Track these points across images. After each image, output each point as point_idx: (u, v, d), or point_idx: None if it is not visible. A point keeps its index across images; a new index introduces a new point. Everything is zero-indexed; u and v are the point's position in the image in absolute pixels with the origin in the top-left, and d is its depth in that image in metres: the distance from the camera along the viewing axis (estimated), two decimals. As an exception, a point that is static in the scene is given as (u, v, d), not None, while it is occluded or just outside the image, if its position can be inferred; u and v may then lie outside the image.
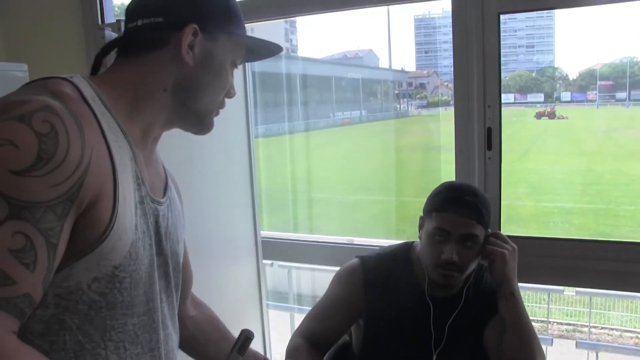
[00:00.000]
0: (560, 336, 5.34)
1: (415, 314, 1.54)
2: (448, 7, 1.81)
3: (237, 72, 2.18)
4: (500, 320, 1.47)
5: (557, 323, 5.57)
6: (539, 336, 1.49)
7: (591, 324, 5.17)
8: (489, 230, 1.51)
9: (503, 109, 1.78)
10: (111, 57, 0.96)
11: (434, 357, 1.53)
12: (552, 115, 6.62)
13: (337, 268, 1.66)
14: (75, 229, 0.77)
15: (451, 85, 1.85)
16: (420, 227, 1.55)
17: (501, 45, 1.76)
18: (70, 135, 0.75)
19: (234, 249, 2.23)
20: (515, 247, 1.49)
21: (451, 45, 1.81)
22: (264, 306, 2.34)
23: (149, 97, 0.90)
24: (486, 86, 1.77)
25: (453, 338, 1.53)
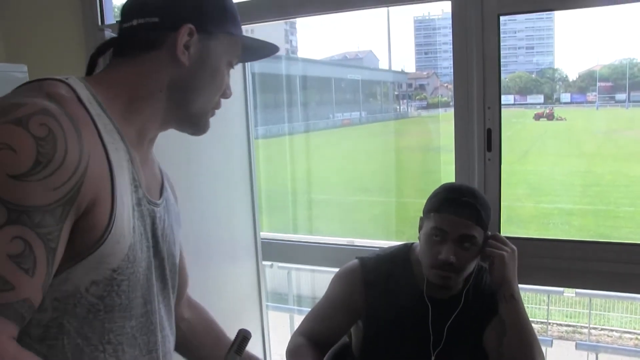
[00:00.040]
0: (560, 337, 5.34)
1: (414, 314, 1.54)
2: (448, 9, 1.81)
3: (237, 74, 2.18)
4: (500, 322, 1.47)
5: (557, 324, 5.57)
6: (538, 337, 1.49)
7: (591, 325, 5.17)
8: (489, 233, 1.50)
9: (503, 110, 1.78)
10: (107, 57, 0.95)
11: (433, 358, 1.53)
12: (550, 117, 6.62)
13: (337, 269, 1.66)
14: (73, 233, 0.77)
15: (451, 86, 1.85)
16: (420, 228, 1.55)
17: (501, 47, 1.76)
18: (67, 138, 0.74)
19: (234, 250, 2.23)
20: (515, 248, 1.49)
21: (451, 46, 1.80)
22: (264, 307, 2.34)
23: (145, 97, 0.90)
24: (486, 87, 1.77)
25: (452, 339, 1.53)
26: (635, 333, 5.49)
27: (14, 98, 0.77)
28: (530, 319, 1.49)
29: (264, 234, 2.43)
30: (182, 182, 1.88)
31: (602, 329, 5.46)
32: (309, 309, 1.67)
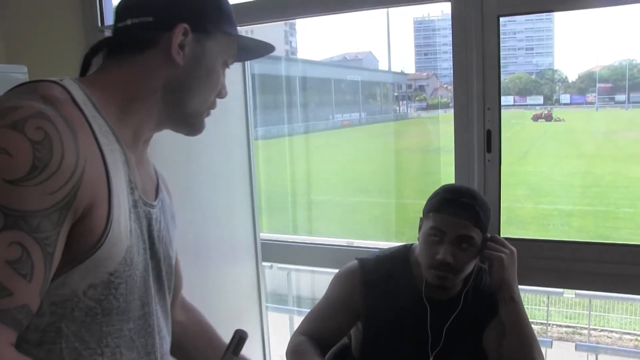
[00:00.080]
0: (560, 338, 5.35)
1: (413, 315, 1.54)
2: (447, 10, 1.81)
3: (237, 75, 2.19)
4: (500, 323, 1.47)
5: (557, 325, 5.57)
6: (538, 339, 1.49)
7: (591, 327, 5.17)
8: (488, 235, 1.50)
9: (502, 111, 1.78)
10: (101, 57, 0.94)
11: (431, 359, 1.53)
12: (548, 118, 6.63)
13: (337, 270, 1.66)
14: (70, 237, 0.76)
15: (450, 87, 1.85)
16: (420, 228, 1.55)
17: (501, 48, 1.76)
18: (64, 142, 0.74)
19: (234, 251, 2.23)
20: (514, 250, 1.49)
21: (450, 47, 1.80)
22: (264, 308, 2.34)
23: (140, 98, 0.89)
24: (486, 88, 1.77)
25: (451, 340, 1.53)
26: (635, 334, 5.49)
27: (8, 101, 0.76)
28: (530, 320, 1.48)
29: (263, 234, 2.43)
30: (182, 183, 1.89)
31: (602, 330, 5.47)
32: (309, 310, 1.67)
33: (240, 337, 1.05)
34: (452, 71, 1.81)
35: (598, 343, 5.13)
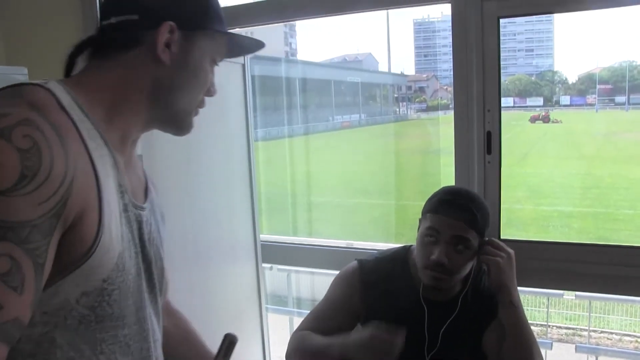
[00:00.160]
0: (560, 340, 5.35)
1: (411, 316, 1.54)
2: (447, 11, 1.81)
3: (237, 76, 2.19)
4: (500, 325, 1.47)
5: (557, 327, 5.58)
6: (538, 340, 1.49)
7: (591, 328, 5.18)
8: (485, 238, 1.50)
9: (502, 112, 1.78)
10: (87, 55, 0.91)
11: None
12: (546, 119, 6.65)
13: (336, 272, 1.66)
14: (61, 246, 0.74)
15: (450, 88, 1.85)
16: (418, 229, 1.55)
17: (501, 49, 1.76)
18: (53, 149, 0.71)
19: (234, 252, 2.23)
20: (511, 252, 1.48)
21: (450, 49, 1.80)
22: (264, 309, 2.34)
23: (127, 99, 0.86)
24: (486, 90, 1.77)
25: (448, 343, 1.52)
26: (635, 336, 5.49)
27: None
28: (530, 322, 1.48)
29: (263, 236, 2.43)
30: (182, 184, 1.89)
31: (602, 332, 5.47)
32: (309, 311, 1.67)
33: (230, 342, 1.04)
34: (452, 72, 1.80)
35: (598, 344, 5.13)
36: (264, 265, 2.38)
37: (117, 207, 0.82)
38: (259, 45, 1.03)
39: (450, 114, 1.87)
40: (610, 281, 1.72)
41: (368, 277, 1.58)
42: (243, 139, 2.21)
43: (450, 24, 1.80)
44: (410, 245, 1.63)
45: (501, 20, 1.74)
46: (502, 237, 1.79)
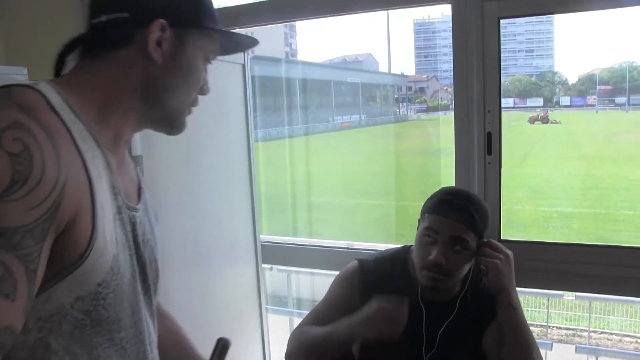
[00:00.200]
0: (560, 341, 5.35)
1: (411, 317, 1.53)
2: (448, 12, 1.81)
3: (237, 76, 2.19)
4: (499, 327, 1.47)
5: (557, 327, 5.58)
6: (538, 341, 1.48)
7: (591, 329, 5.18)
8: (484, 240, 1.50)
9: (502, 113, 1.78)
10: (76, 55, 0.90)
11: None
12: (545, 120, 6.65)
13: (337, 272, 1.66)
14: (54, 250, 0.73)
15: (450, 89, 1.85)
16: (417, 229, 1.55)
17: (501, 50, 1.76)
18: (44, 152, 0.69)
19: (234, 252, 2.23)
20: (510, 253, 1.48)
21: (450, 49, 1.80)
22: (264, 310, 2.34)
23: (119, 99, 0.85)
24: (486, 90, 1.77)
25: (447, 344, 1.52)
26: (635, 336, 5.49)
27: None
28: (530, 323, 1.48)
29: (263, 236, 2.42)
30: (182, 184, 1.88)
31: (602, 332, 5.47)
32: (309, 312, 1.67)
33: (223, 346, 1.03)
34: (452, 73, 1.80)
35: (598, 345, 5.13)
36: (264, 265, 2.38)
37: (110, 209, 0.81)
38: (253, 42, 1.02)
39: (451, 114, 1.87)
40: (611, 282, 1.72)
41: (368, 277, 1.57)
42: (243, 140, 2.21)
43: (450, 25, 1.80)
44: (410, 246, 1.63)
45: (501, 21, 1.74)
46: (502, 238, 1.79)
